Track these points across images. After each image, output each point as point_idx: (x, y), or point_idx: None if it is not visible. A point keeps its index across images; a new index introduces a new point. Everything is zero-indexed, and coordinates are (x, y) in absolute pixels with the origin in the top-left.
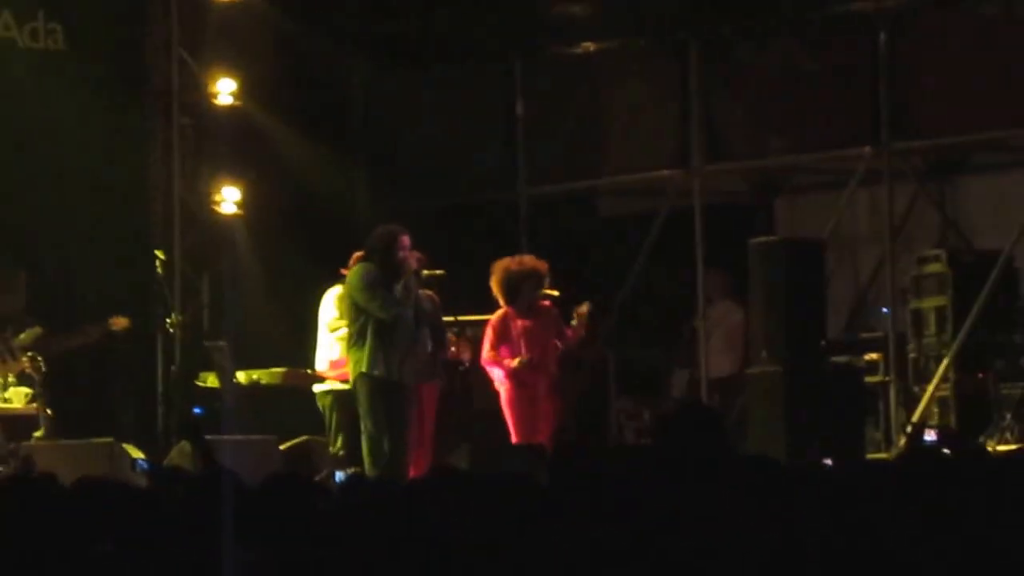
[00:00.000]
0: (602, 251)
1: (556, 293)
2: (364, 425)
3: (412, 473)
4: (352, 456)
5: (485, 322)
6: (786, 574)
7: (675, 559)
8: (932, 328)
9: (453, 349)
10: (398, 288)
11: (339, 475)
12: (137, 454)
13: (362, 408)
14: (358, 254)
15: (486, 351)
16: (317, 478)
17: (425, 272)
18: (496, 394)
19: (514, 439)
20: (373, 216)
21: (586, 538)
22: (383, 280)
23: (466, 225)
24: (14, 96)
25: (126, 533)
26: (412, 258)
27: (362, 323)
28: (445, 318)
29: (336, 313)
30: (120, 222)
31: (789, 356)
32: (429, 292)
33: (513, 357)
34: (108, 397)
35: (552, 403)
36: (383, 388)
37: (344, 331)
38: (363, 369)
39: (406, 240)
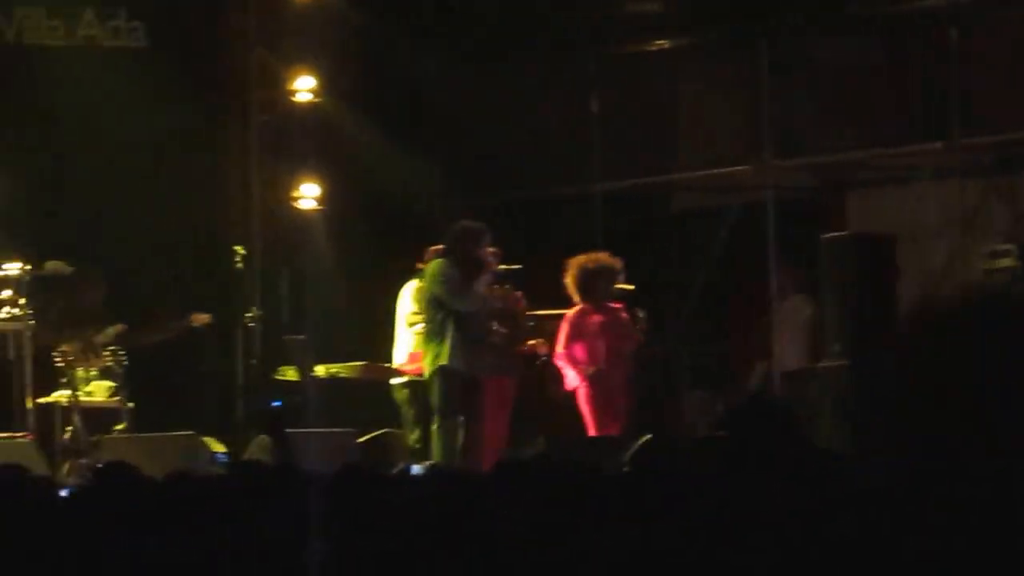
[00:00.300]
0: (675, 246)
1: (631, 288)
2: (438, 418)
3: (486, 466)
4: (429, 449)
5: (560, 316)
6: (854, 568)
7: (745, 551)
8: None
9: (530, 343)
10: (477, 283)
11: (415, 468)
12: (216, 447)
13: (437, 401)
14: (434, 248)
15: (561, 347)
16: (394, 471)
17: (502, 267)
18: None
19: (589, 432)
20: (449, 211)
21: (660, 529)
22: (463, 275)
23: (541, 220)
24: (95, 94)
25: (203, 525)
26: (488, 254)
27: (440, 317)
28: (526, 312)
29: (414, 307)
30: (200, 218)
31: (859, 351)
32: (507, 286)
33: (588, 353)
34: (188, 391)
35: (626, 398)
36: (459, 381)
37: (422, 325)
38: (441, 362)
39: (482, 231)
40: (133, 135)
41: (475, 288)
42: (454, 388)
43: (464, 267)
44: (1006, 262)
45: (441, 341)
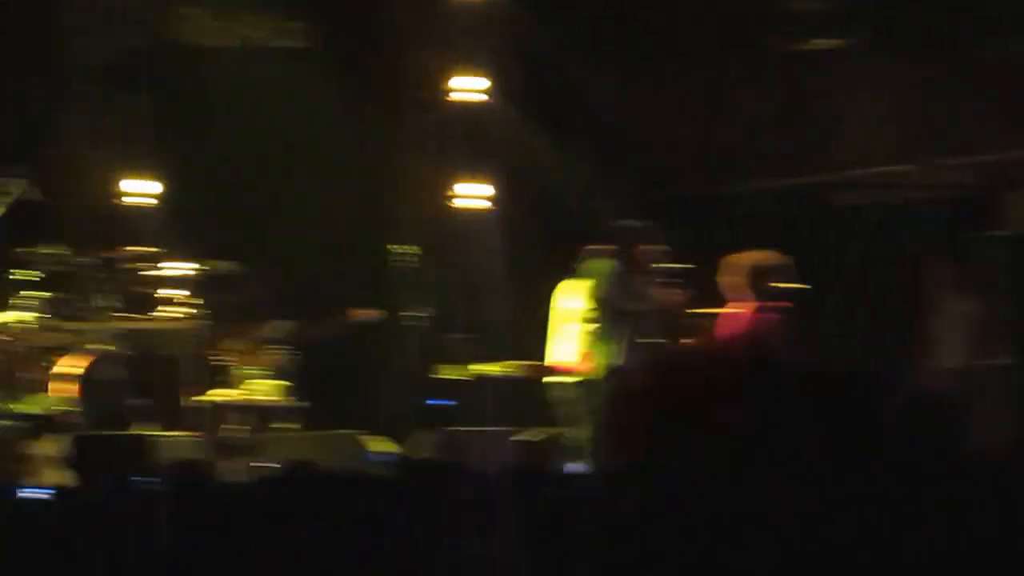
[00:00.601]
0: (832, 244)
1: (803, 287)
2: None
3: None
4: (588, 447)
5: (722, 315)
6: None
7: (911, 552)
8: None
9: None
10: (645, 283)
11: (574, 467)
12: (380, 445)
13: (604, 400)
14: (592, 247)
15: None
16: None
17: (668, 265)
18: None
19: None
20: (614, 210)
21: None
22: (630, 274)
23: (704, 218)
24: (258, 94)
25: (367, 522)
26: (654, 253)
27: (610, 317)
28: (686, 311)
29: (581, 305)
30: (366, 216)
31: (1021, 349)
32: (672, 286)
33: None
34: (352, 388)
35: None
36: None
37: (586, 325)
38: (609, 362)
39: (649, 230)
40: (298, 135)
41: (643, 288)
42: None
43: (631, 266)
44: None
45: (611, 341)
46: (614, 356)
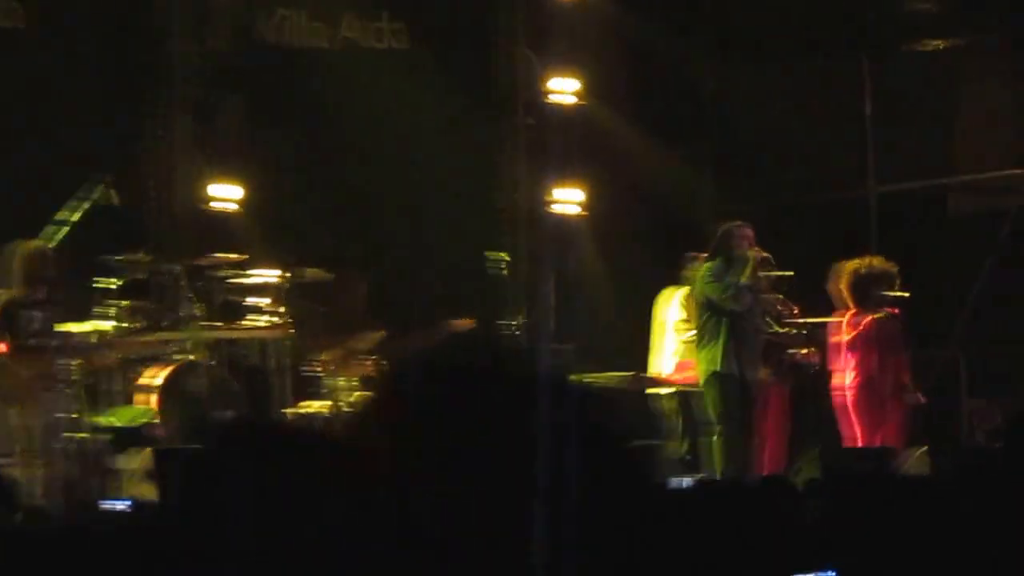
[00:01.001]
0: (952, 250)
1: (906, 295)
2: (719, 426)
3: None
4: (698, 460)
5: (832, 324)
6: None
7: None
8: None
9: (803, 351)
10: (746, 282)
11: (685, 481)
12: None
13: (716, 408)
14: (692, 254)
15: (833, 354)
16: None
17: (773, 273)
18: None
19: (859, 441)
20: (718, 216)
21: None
22: (731, 274)
23: (814, 225)
24: (357, 96)
25: None
26: (757, 252)
27: (712, 320)
28: (795, 320)
29: (683, 315)
30: (464, 223)
31: None
32: (777, 295)
33: (859, 361)
34: None
35: (898, 406)
36: (737, 386)
37: (691, 333)
38: (716, 368)
39: (749, 232)
40: (397, 139)
41: (744, 286)
42: (730, 393)
43: (729, 266)
44: None
45: (714, 345)
46: (718, 362)
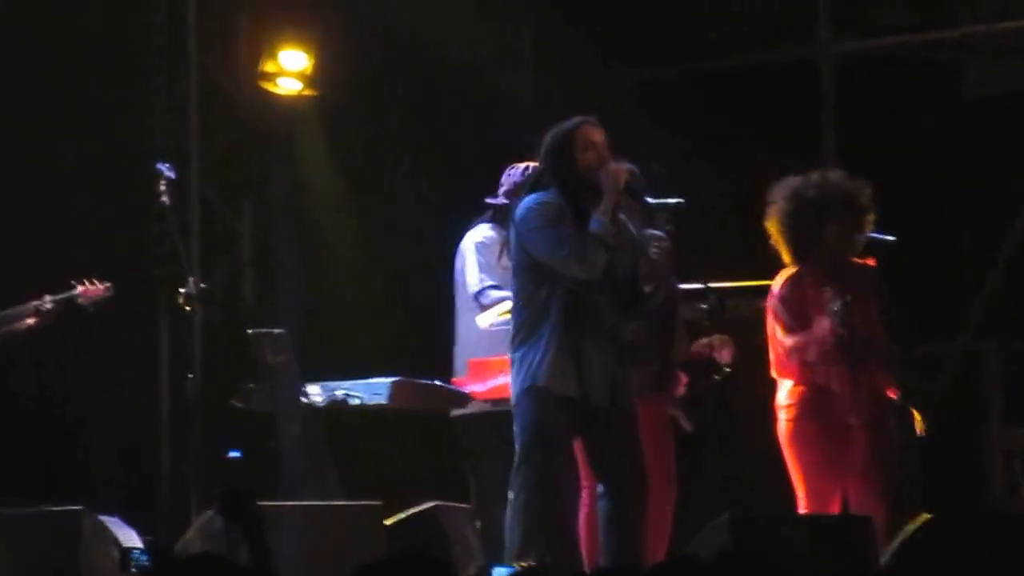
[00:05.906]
0: (970, 157)
1: (890, 239)
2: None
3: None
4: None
5: (762, 291)
6: None
7: None
8: None
9: (703, 342)
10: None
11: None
12: None
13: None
14: None
15: (779, 346)
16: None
17: (651, 200)
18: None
19: (803, 503)
20: None
21: None
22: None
23: (729, 107)
24: None
25: None
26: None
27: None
28: (686, 285)
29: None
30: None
31: None
32: (656, 233)
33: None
34: None
35: (874, 434)
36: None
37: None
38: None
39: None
40: None
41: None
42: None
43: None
44: None
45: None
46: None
